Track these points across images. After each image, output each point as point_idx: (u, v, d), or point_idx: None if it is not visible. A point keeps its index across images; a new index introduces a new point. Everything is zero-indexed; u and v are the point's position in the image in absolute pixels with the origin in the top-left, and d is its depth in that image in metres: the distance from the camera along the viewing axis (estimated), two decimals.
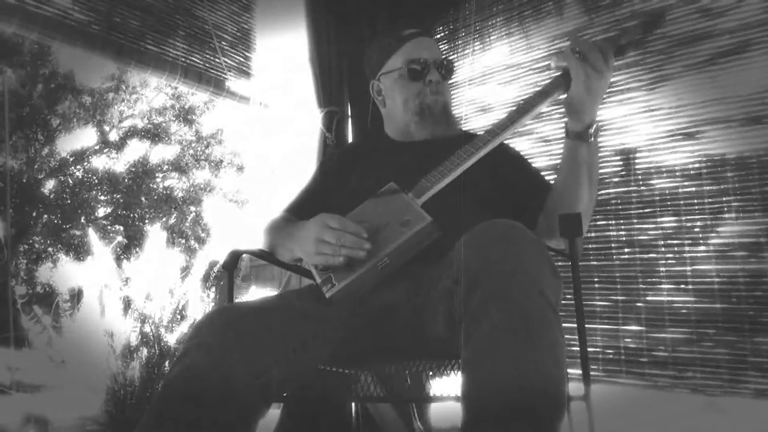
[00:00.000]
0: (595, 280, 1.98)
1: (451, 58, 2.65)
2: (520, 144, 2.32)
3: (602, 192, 2.02)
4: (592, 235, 1.99)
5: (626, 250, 1.95)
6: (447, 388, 1.10)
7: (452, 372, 1.08)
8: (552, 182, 1.33)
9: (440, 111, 1.40)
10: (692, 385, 1.77)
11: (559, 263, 1.01)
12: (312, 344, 1.01)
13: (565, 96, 1.17)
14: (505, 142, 1.34)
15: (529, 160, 1.49)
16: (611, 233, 1.97)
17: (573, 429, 0.89)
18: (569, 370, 0.82)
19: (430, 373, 1.11)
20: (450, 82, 1.47)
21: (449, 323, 0.92)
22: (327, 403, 1.77)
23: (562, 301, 0.90)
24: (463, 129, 1.58)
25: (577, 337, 1.04)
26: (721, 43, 1.87)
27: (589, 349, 1.90)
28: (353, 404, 1.98)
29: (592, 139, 1.18)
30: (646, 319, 1.85)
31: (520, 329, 0.77)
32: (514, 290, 0.80)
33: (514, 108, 1.25)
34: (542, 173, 1.44)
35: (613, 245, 1.96)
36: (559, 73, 1.21)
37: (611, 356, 1.90)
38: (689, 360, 1.78)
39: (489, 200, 1.29)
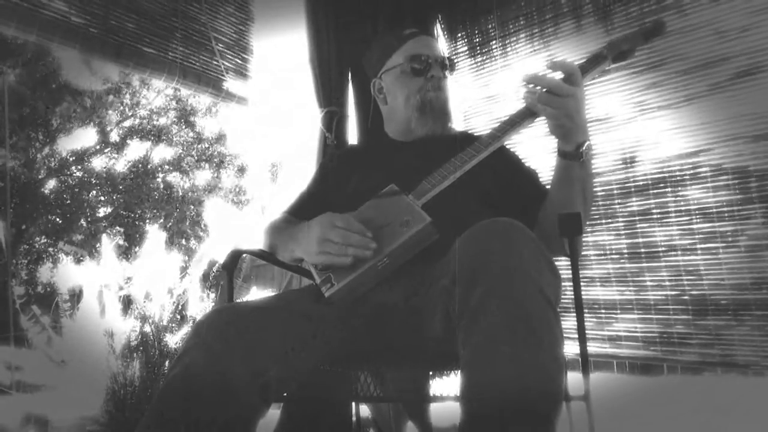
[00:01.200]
0: (647, 278, 2.25)
1: (467, 68, 2.70)
2: (523, 144, 2.37)
3: (641, 201, 2.26)
4: (642, 240, 2.27)
5: (671, 253, 2.20)
6: (446, 388, 1.10)
7: (451, 372, 1.08)
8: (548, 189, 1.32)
9: (441, 107, 1.41)
10: (734, 361, 2.02)
11: (559, 262, 1.01)
12: (311, 344, 1.01)
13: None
14: (506, 144, 1.33)
15: (528, 164, 1.47)
16: (657, 239, 2.24)
17: (573, 429, 0.89)
18: (569, 370, 0.82)
19: (430, 372, 1.11)
20: (450, 78, 1.47)
21: (448, 322, 0.92)
22: (327, 403, 1.77)
23: (563, 301, 0.89)
24: (459, 129, 1.58)
25: (577, 336, 1.03)
26: (738, 63, 2.04)
27: (647, 335, 2.17)
28: (353, 404, 1.98)
29: (584, 158, 1.14)
30: (692, 309, 2.13)
31: (519, 328, 0.77)
32: (513, 288, 0.80)
33: (516, 111, 1.25)
34: (540, 177, 1.43)
35: (660, 249, 2.23)
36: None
37: (666, 339, 2.19)
38: (730, 341, 2.04)
39: (489, 202, 1.29)
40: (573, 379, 0.91)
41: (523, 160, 1.47)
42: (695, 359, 2.10)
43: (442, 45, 2.77)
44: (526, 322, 0.77)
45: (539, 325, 0.78)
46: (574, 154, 1.14)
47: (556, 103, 1.08)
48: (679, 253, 2.17)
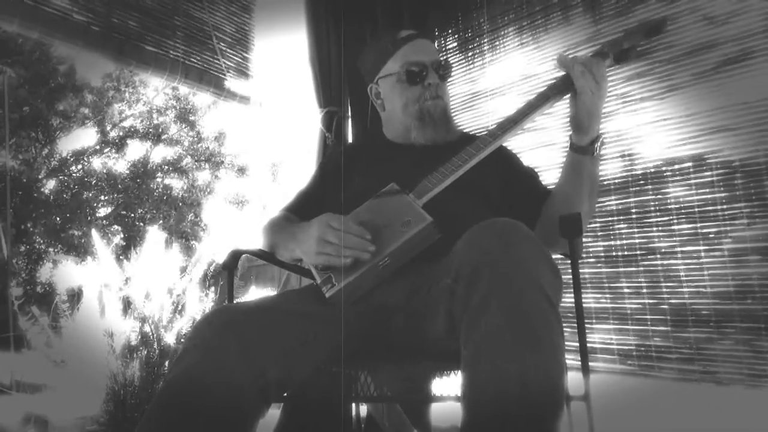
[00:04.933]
0: (624, 284, 2.12)
1: (457, 64, 2.68)
2: (522, 143, 2.35)
3: (622, 200, 2.14)
4: (619, 243, 2.14)
5: (649, 256, 2.07)
6: (447, 387, 1.10)
7: (452, 372, 1.08)
8: (549, 188, 1.32)
9: (440, 115, 1.38)
10: (717, 379, 1.88)
11: (559, 262, 1.01)
12: (311, 344, 1.00)
13: (569, 109, 1.18)
14: (505, 144, 1.33)
15: (527, 163, 1.47)
16: (635, 241, 2.10)
17: (573, 429, 0.89)
18: (569, 373, 0.82)
19: (430, 372, 1.11)
20: (449, 83, 1.45)
21: (449, 322, 0.92)
22: (327, 403, 1.77)
23: (563, 302, 0.89)
24: (464, 131, 1.57)
25: (577, 338, 1.03)
26: (726, 50, 1.92)
27: (623, 347, 2.06)
28: (353, 404, 1.98)
29: (596, 152, 1.18)
30: (671, 320, 1.99)
31: (520, 329, 0.77)
32: (514, 289, 0.80)
33: (515, 110, 1.25)
34: (539, 176, 1.43)
35: (638, 252, 2.10)
36: (560, 77, 1.20)
37: (644, 353, 2.05)
38: (712, 356, 1.90)
39: (490, 201, 1.29)
40: (573, 379, 0.91)
41: (522, 160, 1.47)
42: (673, 376, 1.96)
43: (436, 45, 2.75)
44: (526, 322, 0.77)
45: (540, 324, 0.78)
46: (587, 149, 1.17)
47: (598, 78, 1.12)
48: (659, 256, 2.03)
